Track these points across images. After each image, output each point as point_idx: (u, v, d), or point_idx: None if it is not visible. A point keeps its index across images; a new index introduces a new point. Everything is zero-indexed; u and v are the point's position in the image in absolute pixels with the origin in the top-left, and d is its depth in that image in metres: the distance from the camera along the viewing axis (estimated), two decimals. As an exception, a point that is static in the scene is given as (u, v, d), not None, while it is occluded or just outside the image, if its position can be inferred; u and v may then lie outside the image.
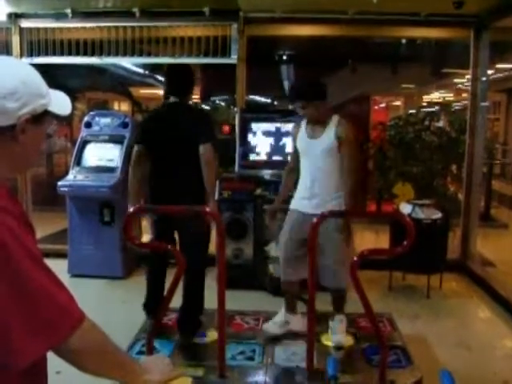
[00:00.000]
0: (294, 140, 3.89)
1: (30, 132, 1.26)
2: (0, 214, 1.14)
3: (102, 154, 5.62)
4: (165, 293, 3.27)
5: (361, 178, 4.00)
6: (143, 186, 3.96)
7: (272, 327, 3.93)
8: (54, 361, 1.28)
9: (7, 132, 1.23)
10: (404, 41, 8.82)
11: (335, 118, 3.69)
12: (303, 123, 3.82)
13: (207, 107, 13.76)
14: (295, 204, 3.83)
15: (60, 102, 1.37)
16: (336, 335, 3.65)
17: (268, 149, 5.28)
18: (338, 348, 3.60)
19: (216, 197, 3.97)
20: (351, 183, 3.62)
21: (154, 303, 3.85)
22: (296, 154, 3.88)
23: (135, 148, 3.92)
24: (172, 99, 3.93)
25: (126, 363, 1.37)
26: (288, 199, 3.98)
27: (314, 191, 3.70)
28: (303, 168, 3.79)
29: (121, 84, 12.81)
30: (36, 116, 1.27)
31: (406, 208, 5.11)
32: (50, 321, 1.15)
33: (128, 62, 9.28)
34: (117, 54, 5.83)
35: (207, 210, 2.96)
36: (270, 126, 5.30)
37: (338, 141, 3.61)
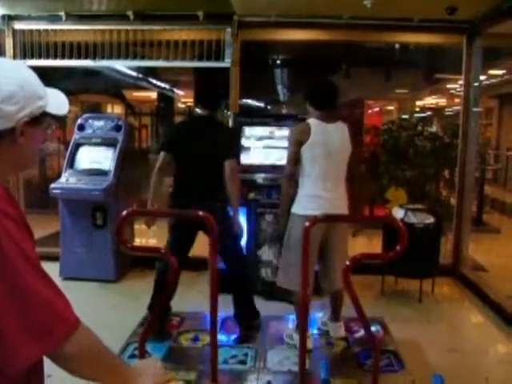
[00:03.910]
0: (298, 145, 3.75)
1: (28, 134, 1.27)
2: None
3: (95, 157, 5.60)
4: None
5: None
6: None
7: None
8: (45, 364, 1.27)
9: (6, 135, 1.23)
10: (397, 46, 8.86)
11: (344, 124, 3.84)
12: (316, 127, 3.74)
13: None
14: (311, 208, 3.64)
15: (57, 102, 1.37)
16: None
17: (261, 153, 5.28)
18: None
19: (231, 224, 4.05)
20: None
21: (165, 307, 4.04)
22: (296, 158, 3.77)
23: (161, 155, 4.08)
24: (201, 112, 4.11)
25: (119, 368, 1.36)
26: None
27: (334, 193, 3.77)
28: (320, 170, 3.74)
29: (114, 87, 12.80)
30: (34, 118, 1.27)
31: (398, 212, 5.12)
32: (44, 326, 1.14)
33: (122, 65, 9.26)
34: (111, 57, 5.82)
35: (200, 213, 2.95)
36: (264, 130, 5.30)
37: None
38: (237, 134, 5.02)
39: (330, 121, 3.78)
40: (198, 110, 4.17)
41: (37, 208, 7.13)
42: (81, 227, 5.42)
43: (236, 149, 4.17)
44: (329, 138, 3.74)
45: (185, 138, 4.04)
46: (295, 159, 3.78)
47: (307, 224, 2.81)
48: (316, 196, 3.73)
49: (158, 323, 3.91)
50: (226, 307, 4.15)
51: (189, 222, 3.94)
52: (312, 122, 3.77)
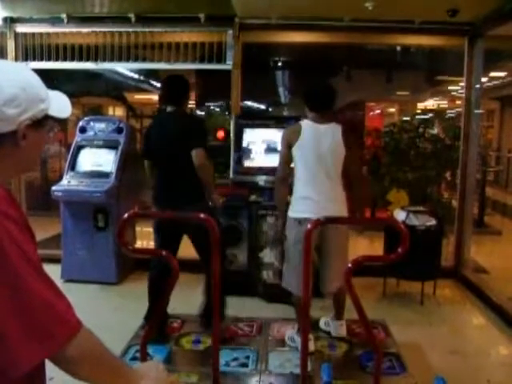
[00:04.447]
0: (288, 145, 3.77)
1: (30, 137, 1.26)
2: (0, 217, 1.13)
3: (97, 159, 5.60)
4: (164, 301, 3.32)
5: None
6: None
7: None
8: (46, 367, 1.27)
9: (8, 138, 1.23)
10: (399, 48, 8.87)
11: (338, 126, 3.79)
12: (307, 128, 3.74)
13: (202, 113, 13.78)
14: (301, 211, 3.69)
15: (59, 104, 1.37)
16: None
17: (263, 155, 5.28)
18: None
19: (210, 203, 4.02)
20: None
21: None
22: (288, 159, 3.79)
23: (145, 162, 4.23)
24: (168, 108, 4.08)
25: (122, 371, 1.36)
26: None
27: (325, 195, 3.71)
28: (311, 171, 3.74)
29: (116, 89, 12.81)
30: (36, 121, 1.27)
31: (400, 215, 5.11)
32: (46, 328, 1.14)
33: (123, 68, 9.28)
34: (112, 60, 5.81)
35: (202, 216, 2.96)
36: (265, 133, 5.30)
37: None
38: (201, 121, 4.76)
39: (322, 122, 3.76)
40: (167, 108, 4.11)
41: (38, 210, 7.14)
42: (82, 229, 5.42)
43: (201, 137, 3.97)
44: (319, 139, 3.72)
45: (153, 139, 4.08)
46: (287, 160, 3.79)
47: (309, 226, 2.80)
48: (306, 198, 3.71)
49: (158, 329, 3.85)
50: (228, 309, 4.15)
51: (172, 224, 3.88)
52: (304, 123, 3.79)
